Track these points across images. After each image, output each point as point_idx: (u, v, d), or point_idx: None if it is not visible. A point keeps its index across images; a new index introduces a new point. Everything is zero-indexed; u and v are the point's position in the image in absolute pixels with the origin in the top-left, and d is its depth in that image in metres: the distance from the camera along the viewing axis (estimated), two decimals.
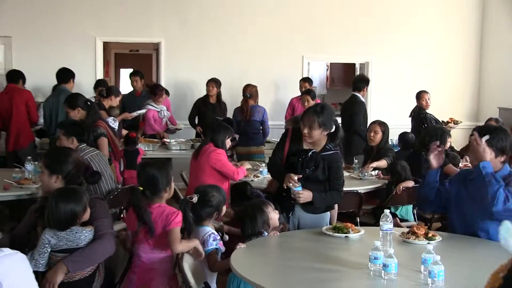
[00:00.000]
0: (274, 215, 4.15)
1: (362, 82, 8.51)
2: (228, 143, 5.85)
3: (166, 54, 10.05)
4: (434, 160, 4.20)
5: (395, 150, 6.98)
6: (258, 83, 8.66)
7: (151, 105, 8.70)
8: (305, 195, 4.38)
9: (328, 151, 4.52)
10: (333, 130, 4.53)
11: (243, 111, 8.28)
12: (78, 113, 6.01)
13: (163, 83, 9.82)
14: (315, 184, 4.49)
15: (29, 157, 6.03)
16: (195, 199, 3.82)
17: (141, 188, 3.71)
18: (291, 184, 4.33)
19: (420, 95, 8.80)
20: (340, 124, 4.93)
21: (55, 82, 8.21)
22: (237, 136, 7.61)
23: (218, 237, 3.88)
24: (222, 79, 8.92)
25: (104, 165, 5.36)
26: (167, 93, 9.36)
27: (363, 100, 8.49)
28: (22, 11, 9.47)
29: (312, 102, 8.13)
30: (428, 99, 8.74)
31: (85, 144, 5.40)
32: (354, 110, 8.26)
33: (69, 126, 5.43)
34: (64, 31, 9.61)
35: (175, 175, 7.40)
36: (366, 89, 8.59)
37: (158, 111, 8.73)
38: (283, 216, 4.49)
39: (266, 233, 4.07)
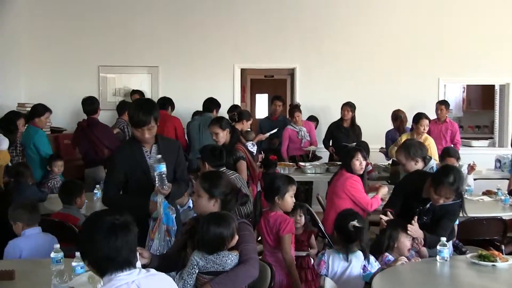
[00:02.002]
0: (404, 240, 4.09)
1: None
2: (357, 165, 5.74)
3: (300, 79, 10.10)
4: None
5: None
6: (393, 107, 8.55)
7: (291, 125, 8.90)
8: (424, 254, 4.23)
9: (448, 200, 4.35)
10: None
11: (400, 132, 8.27)
12: (226, 134, 6.08)
13: None
14: (430, 229, 4.34)
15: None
16: (356, 224, 3.97)
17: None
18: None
19: None
20: None
21: (196, 107, 8.54)
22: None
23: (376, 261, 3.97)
24: (356, 103, 8.87)
25: (244, 188, 5.42)
26: (315, 119, 9.55)
27: None
28: (167, 43, 9.95)
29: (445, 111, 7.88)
30: None
31: (225, 167, 5.47)
32: None
33: (204, 152, 5.46)
34: (205, 60, 9.96)
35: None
36: None
37: (297, 131, 8.84)
38: None
39: (405, 258, 3.98)
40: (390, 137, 8.49)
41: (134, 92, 9.40)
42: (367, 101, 9.54)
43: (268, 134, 8.71)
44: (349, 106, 8.79)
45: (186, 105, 9.27)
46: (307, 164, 8.26)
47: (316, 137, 9.16)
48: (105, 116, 8.65)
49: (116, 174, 4.23)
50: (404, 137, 7.56)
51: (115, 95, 9.98)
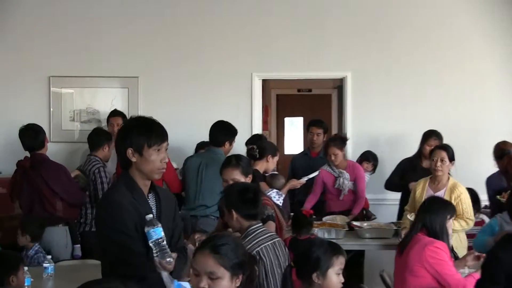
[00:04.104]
0: None
1: None
2: (451, 229, 5.71)
3: (353, 94, 10.06)
4: None
5: None
6: (497, 138, 8.44)
7: (328, 167, 8.70)
8: None
9: None
10: None
11: (509, 176, 8.05)
12: (249, 181, 5.85)
13: (349, 134, 9.69)
14: None
15: None
16: None
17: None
18: None
19: None
20: None
21: (194, 137, 8.66)
22: None
23: None
24: (441, 130, 8.71)
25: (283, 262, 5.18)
26: (372, 158, 9.40)
27: None
28: (151, 43, 10.07)
29: None
30: None
31: (261, 224, 5.21)
32: None
33: (229, 194, 5.22)
34: (208, 67, 10.04)
35: (373, 274, 7.47)
36: None
37: (336, 177, 8.64)
38: None
39: None
40: (494, 186, 8.24)
41: (116, 113, 9.29)
42: (457, 128, 9.50)
43: (305, 179, 8.51)
44: (436, 137, 8.52)
45: (179, 133, 8.83)
46: (365, 224, 8.15)
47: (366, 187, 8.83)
48: (58, 151, 8.69)
49: (129, 224, 4.05)
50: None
51: (73, 120, 10.07)
